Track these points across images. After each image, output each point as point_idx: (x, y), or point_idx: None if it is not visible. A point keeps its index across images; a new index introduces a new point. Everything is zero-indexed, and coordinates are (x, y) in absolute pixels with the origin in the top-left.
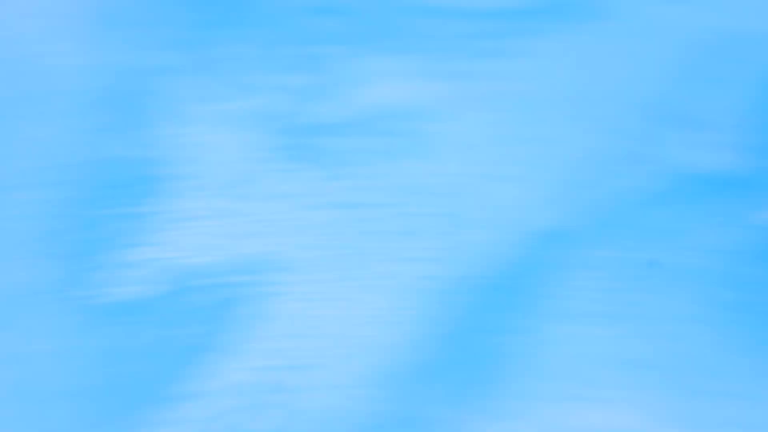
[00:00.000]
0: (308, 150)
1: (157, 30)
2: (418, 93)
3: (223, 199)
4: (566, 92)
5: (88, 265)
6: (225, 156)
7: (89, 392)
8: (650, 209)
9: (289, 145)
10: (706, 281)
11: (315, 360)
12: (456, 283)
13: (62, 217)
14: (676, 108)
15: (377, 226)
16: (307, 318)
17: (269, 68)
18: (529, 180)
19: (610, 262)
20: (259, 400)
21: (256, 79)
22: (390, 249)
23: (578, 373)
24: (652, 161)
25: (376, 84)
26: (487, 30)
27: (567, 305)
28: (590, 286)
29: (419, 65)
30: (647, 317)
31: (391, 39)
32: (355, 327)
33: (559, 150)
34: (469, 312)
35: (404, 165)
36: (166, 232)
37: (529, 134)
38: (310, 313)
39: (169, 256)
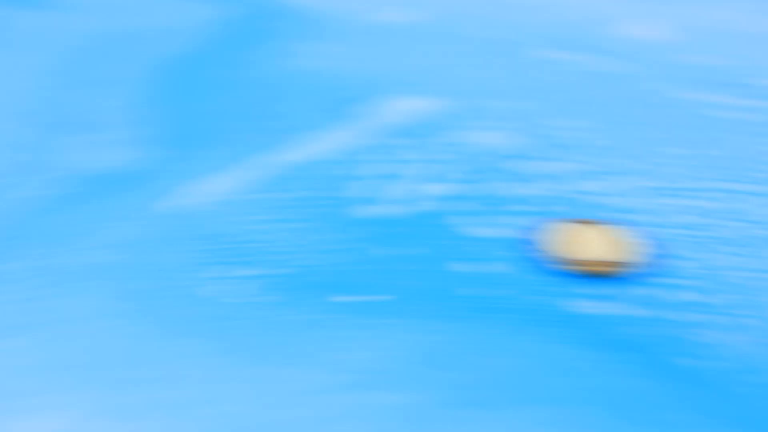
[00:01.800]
0: None
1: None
2: None
3: None
4: None
5: None
6: None
7: None
8: (53, 215)
9: None
10: (116, 275)
11: None
12: None
13: None
14: (65, 113)
15: None
16: None
17: None
18: None
19: (21, 274)
20: None
21: None
22: None
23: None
24: (48, 168)
25: None
26: None
27: None
28: (2, 300)
29: None
30: (63, 320)
31: None
32: None
33: None
34: None
35: None
36: None
37: None
38: None
39: None
